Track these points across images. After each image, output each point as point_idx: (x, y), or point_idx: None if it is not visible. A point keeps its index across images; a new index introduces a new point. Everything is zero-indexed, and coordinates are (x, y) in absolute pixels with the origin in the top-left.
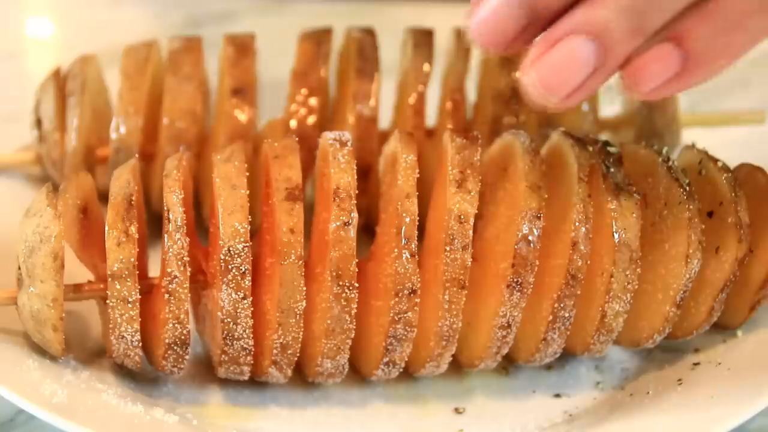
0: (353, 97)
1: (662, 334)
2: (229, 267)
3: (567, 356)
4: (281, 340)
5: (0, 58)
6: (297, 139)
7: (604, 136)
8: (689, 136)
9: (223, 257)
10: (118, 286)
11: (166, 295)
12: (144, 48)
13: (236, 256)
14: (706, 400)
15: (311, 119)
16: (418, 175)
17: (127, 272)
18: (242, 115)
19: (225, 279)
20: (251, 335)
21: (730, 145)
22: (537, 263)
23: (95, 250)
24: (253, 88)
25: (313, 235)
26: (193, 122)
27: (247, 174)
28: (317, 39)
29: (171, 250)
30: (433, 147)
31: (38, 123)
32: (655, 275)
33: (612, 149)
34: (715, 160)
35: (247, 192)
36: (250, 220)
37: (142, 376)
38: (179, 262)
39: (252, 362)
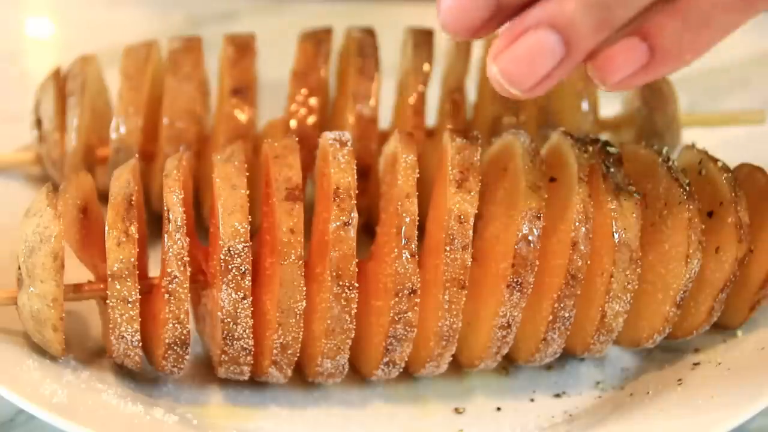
0: (353, 97)
1: (662, 334)
2: (229, 267)
3: (567, 356)
4: (281, 340)
5: (0, 58)
6: (297, 139)
7: (604, 136)
8: (689, 136)
9: (223, 257)
10: (118, 286)
11: (166, 295)
12: (144, 48)
13: (236, 256)
14: (706, 400)
15: (311, 119)
16: (418, 175)
17: (127, 272)
18: (242, 115)
19: (225, 279)
20: (251, 335)
21: (730, 145)
22: (537, 263)
23: (95, 250)
24: (253, 88)
25: (313, 235)
26: (193, 122)
27: (247, 174)
28: (317, 39)
29: (171, 250)
30: (433, 147)
31: (38, 123)
32: (655, 275)
33: (612, 149)
34: (715, 160)
35: (247, 192)
36: (250, 220)
37: (142, 376)
38: (179, 262)
39: (252, 362)
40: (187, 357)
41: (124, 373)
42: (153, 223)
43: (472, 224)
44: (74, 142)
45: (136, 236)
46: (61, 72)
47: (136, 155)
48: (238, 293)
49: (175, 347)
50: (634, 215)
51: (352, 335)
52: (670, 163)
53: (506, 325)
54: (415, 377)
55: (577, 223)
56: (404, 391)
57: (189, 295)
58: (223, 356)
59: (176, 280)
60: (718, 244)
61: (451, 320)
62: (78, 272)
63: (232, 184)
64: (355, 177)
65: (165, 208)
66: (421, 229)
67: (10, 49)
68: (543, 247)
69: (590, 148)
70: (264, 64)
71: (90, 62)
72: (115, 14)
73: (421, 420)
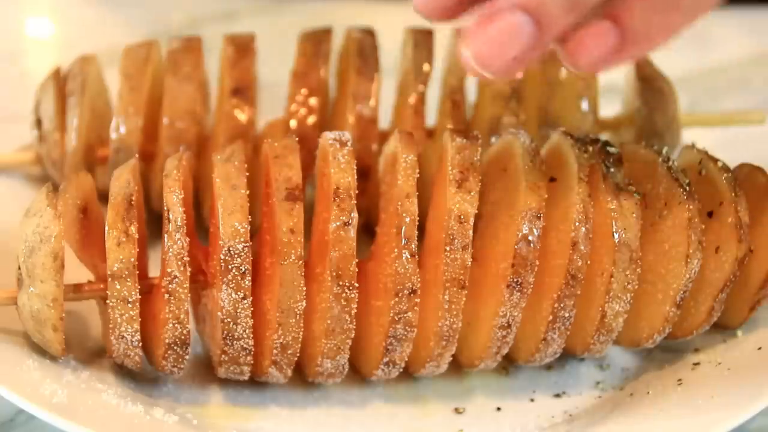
0: (353, 97)
1: (662, 334)
2: (229, 267)
3: (567, 356)
4: (281, 340)
5: (0, 58)
6: (297, 139)
7: (604, 136)
8: (689, 136)
9: (223, 257)
10: (118, 286)
11: (166, 295)
12: (144, 48)
13: (236, 256)
14: (706, 400)
15: (311, 119)
16: (418, 175)
17: (127, 272)
18: (242, 115)
19: (225, 279)
20: (251, 335)
21: (730, 145)
22: (537, 263)
23: (95, 250)
24: (252, 88)
25: (313, 235)
26: (193, 122)
27: (247, 174)
28: (317, 39)
29: (171, 250)
30: (433, 147)
31: (38, 123)
32: (655, 275)
33: (612, 149)
34: (715, 160)
35: (247, 192)
36: (250, 220)
37: (142, 376)
38: (179, 262)
39: (252, 362)
40: (187, 357)
41: (124, 373)
42: (153, 223)
43: (472, 224)
44: (74, 142)
45: (136, 236)
46: (61, 72)
47: (136, 155)
48: (238, 293)
49: (175, 347)
50: (634, 215)
51: (352, 335)
52: (670, 163)
53: (506, 325)
54: (415, 377)
55: (577, 223)
56: (404, 391)
57: (189, 295)
58: (223, 356)
59: (176, 280)
60: (718, 244)
61: (451, 320)
62: (78, 272)
63: (232, 184)
64: (355, 177)
65: (165, 208)
66: (421, 229)
67: (10, 49)
68: (543, 247)
69: (590, 148)
70: (264, 64)
71: (90, 62)
72: (115, 14)
73: (421, 420)
